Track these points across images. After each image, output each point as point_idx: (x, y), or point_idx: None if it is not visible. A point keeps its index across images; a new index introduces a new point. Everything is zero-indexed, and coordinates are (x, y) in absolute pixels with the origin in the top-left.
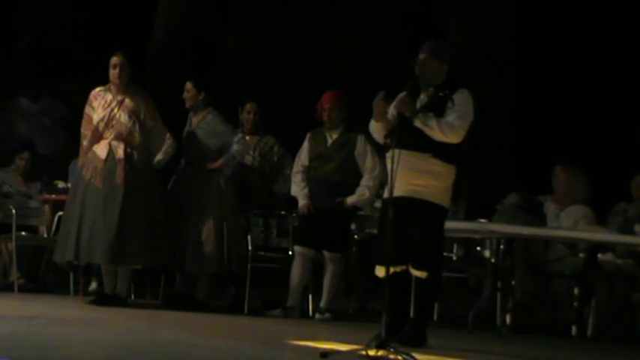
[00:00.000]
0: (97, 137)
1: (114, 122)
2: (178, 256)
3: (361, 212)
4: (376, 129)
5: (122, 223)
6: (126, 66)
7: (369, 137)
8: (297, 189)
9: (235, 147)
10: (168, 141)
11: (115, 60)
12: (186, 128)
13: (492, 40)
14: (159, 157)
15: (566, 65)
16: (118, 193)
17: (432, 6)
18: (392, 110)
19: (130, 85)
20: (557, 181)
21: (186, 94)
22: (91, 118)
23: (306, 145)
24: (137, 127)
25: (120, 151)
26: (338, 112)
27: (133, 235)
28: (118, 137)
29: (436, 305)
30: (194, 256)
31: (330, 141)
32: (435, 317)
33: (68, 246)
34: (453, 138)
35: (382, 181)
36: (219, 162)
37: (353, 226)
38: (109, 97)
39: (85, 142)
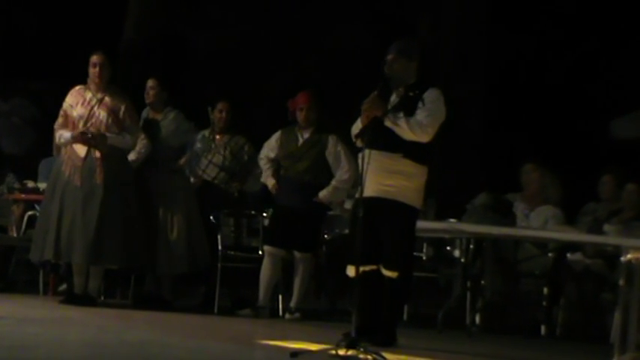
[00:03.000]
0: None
1: (93, 120)
2: (149, 257)
3: (331, 212)
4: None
5: (101, 223)
6: (106, 65)
7: (341, 138)
8: (265, 173)
9: (198, 145)
10: (142, 142)
11: (95, 59)
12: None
13: (463, 39)
14: (132, 156)
15: (536, 65)
16: (98, 193)
17: (403, 5)
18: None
19: (109, 85)
20: (530, 181)
21: (149, 91)
22: (69, 115)
23: (273, 140)
24: (115, 126)
25: (98, 150)
26: (314, 112)
27: (111, 235)
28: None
29: (406, 305)
30: (165, 258)
31: (301, 140)
32: (405, 317)
33: (47, 245)
34: (423, 137)
35: (355, 181)
36: (182, 160)
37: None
38: (89, 95)
39: (58, 136)
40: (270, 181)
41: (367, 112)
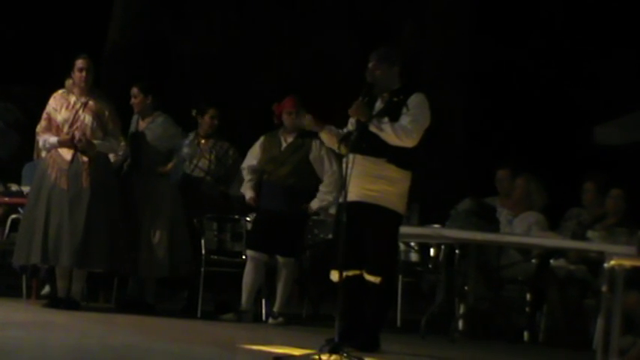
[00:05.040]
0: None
1: (78, 123)
2: (131, 260)
3: (315, 217)
4: (326, 138)
5: (88, 227)
6: (91, 69)
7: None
8: (246, 185)
9: (185, 150)
10: (121, 144)
11: (80, 63)
12: (132, 130)
13: (446, 46)
14: (110, 158)
15: (520, 71)
16: (84, 196)
17: (387, 12)
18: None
19: (93, 88)
20: (515, 187)
21: (133, 100)
22: (52, 119)
23: (257, 148)
24: (100, 130)
25: (86, 156)
26: (299, 113)
27: (98, 239)
28: (81, 138)
29: (398, 311)
30: (147, 261)
31: (284, 144)
32: (399, 323)
33: (33, 248)
34: (408, 141)
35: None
36: (170, 165)
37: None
38: (73, 99)
39: (42, 140)
40: (248, 193)
41: (352, 118)
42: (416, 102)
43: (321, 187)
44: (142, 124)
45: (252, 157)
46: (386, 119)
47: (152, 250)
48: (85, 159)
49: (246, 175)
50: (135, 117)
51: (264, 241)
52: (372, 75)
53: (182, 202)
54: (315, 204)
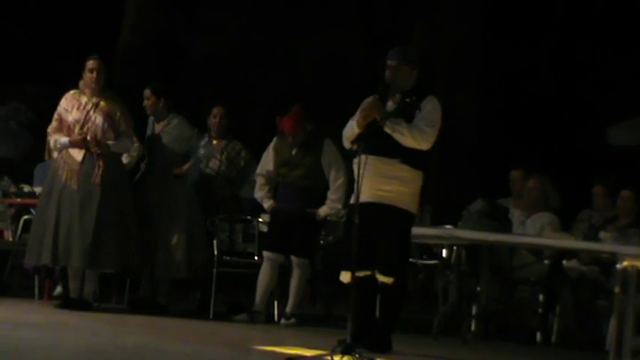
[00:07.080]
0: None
1: (89, 124)
2: (149, 261)
3: (328, 218)
4: (350, 136)
5: (99, 227)
6: (102, 70)
7: (334, 141)
8: (260, 193)
9: (201, 151)
10: (134, 145)
11: (91, 64)
12: (148, 133)
13: (458, 47)
14: (124, 159)
15: (532, 72)
16: (95, 197)
17: (398, 12)
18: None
19: (104, 89)
20: (529, 189)
21: (146, 102)
22: (63, 120)
23: (271, 150)
24: (111, 131)
25: (99, 156)
26: (300, 134)
27: (109, 239)
28: (93, 139)
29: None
30: (164, 262)
31: (295, 149)
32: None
33: (44, 249)
34: (424, 144)
35: (348, 186)
36: (186, 167)
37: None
38: (84, 99)
39: (53, 141)
40: (266, 203)
41: (364, 114)
42: (431, 106)
43: (329, 195)
44: (158, 127)
45: (268, 161)
46: (401, 120)
47: (169, 251)
48: (96, 159)
49: (261, 183)
50: (151, 119)
51: (280, 242)
52: (393, 75)
53: (199, 203)
54: (323, 211)
